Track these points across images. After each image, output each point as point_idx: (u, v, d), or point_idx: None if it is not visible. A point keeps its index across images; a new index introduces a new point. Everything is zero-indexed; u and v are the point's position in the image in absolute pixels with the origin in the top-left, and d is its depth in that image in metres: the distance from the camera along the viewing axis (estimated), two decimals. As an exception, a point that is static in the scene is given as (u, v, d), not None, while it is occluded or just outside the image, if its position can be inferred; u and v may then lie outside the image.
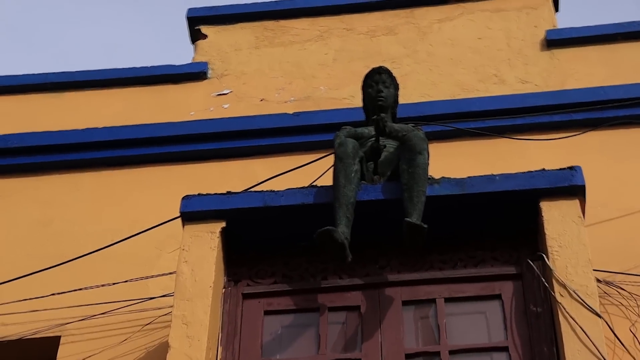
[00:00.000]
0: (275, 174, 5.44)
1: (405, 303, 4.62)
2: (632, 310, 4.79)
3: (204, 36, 7.08)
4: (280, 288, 4.76)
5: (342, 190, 4.64)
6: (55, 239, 5.72)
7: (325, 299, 4.69)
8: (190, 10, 7.18)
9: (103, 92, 6.77)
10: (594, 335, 4.17)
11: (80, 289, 5.27)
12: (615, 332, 4.59)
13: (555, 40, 6.56)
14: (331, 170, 4.82)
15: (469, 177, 4.73)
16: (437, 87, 6.44)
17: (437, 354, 4.43)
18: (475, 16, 6.89)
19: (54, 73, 6.91)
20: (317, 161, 5.54)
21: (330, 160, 5.01)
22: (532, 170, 4.76)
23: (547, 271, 4.46)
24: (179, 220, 4.87)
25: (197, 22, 7.13)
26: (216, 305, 4.59)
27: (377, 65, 5.43)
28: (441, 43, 6.76)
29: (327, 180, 4.91)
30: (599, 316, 4.24)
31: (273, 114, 6.33)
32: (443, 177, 4.76)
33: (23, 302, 5.24)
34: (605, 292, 4.82)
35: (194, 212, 4.82)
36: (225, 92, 6.67)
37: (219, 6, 7.23)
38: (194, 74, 6.78)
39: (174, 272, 4.71)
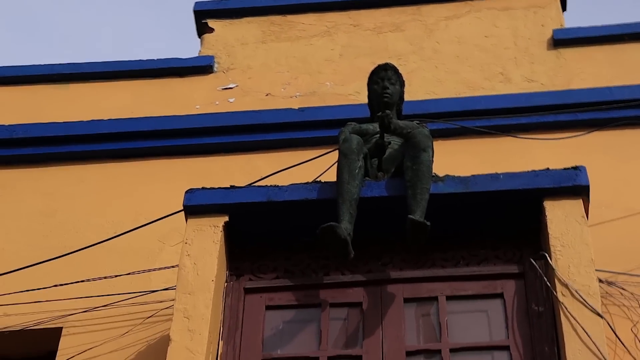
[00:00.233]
0: (279, 169, 5.44)
1: (407, 300, 4.62)
2: (634, 311, 4.78)
3: (211, 30, 7.08)
4: (282, 283, 4.76)
5: (345, 186, 4.64)
6: (58, 230, 5.73)
7: (327, 294, 4.69)
8: (197, 3, 7.18)
9: (109, 84, 6.77)
10: (595, 335, 4.17)
11: (83, 281, 5.28)
12: (617, 333, 4.58)
13: (562, 40, 6.55)
14: (335, 166, 4.82)
15: (472, 175, 4.72)
16: (443, 84, 6.43)
17: (438, 352, 4.43)
18: (482, 14, 6.88)
19: (60, 64, 6.91)
20: (322, 157, 5.54)
21: (334, 156, 5.01)
22: (536, 169, 4.75)
23: (549, 270, 4.46)
24: (183, 213, 4.87)
25: (204, 15, 7.13)
26: (218, 299, 4.60)
27: (383, 62, 5.43)
28: (448, 40, 6.75)
29: (331, 176, 4.90)
30: (601, 316, 4.24)
31: (278, 108, 6.33)
32: (447, 175, 4.76)
33: (25, 293, 5.25)
34: (607, 293, 4.81)
35: (197, 205, 4.82)
36: (231, 86, 6.67)
37: (226, 0, 7.23)
38: (200, 67, 6.78)
39: (177, 265, 4.71)
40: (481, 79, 6.43)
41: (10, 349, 5.31)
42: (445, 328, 4.49)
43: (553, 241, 4.49)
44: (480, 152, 5.80)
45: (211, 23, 7.10)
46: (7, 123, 6.37)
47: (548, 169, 4.72)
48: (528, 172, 4.72)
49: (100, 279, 5.30)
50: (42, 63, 6.94)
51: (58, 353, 5.09)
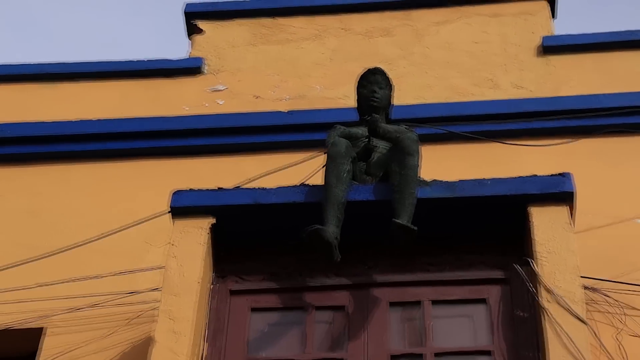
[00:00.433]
0: (267, 172, 5.44)
1: (392, 304, 4.63)
2: (618, 318, 4.79)
3: (201, 31, 7.08)
4: (268, 286, 4.76)
5: (332, 189, 4.64)
6: (43, 229, 5.71)
7: (312, 298, 4.69)
8: (187, 5, 7.17)
9: (97, 84, 6.76)
10: (578, 341, 4.18)
11: (67, 281, 5.26)
12: (600, 340, 4.60)
13: (551, 47, 6.57)
14: (323, 169, 4.82)
15: (459, 180, 4.73)
16: (432, 89, 6.44)
17: (422, 356, 4.43)
18: (472, 20, 6.89)
19: (49, 63, 6.90)
20: (309, 160, 5.54)
21: (322, 159, 5.01)
22: (523, 175, 4.76)
23: (534, 277, 4.47)
24: (169, 214, 4.86)
25: (194, 17, 7.12)
26: (203, 301, 4.59)
27: (373, 66, 5.43)
28: (437, 46, 6.76)
29: (319, 179, 4.90)
30: (585, 323, 4.25)
31: (267, 111, 6.33)
32: (434, 180, 4.77)
33: (8, 292, 5.23)
34: (592, 299, 4.82)
35: (183, 207, 4.82)
36: (220, 88, 6.66)
37: (216, 2, 7.23)
38: (190, 69, 6.78)
39: (162, 266, 4.70)
40: (470, 84, 6.44)
41: (-8, 348, 5.30)
42: (429, 332, 4.50)
43: (538, 247, 4.50)
44: (467, 158, 5.81)
45: (201, 24, 7.10)
46: (-5, 121, 6.36)
47: (534, 175, 4.74)
48: (514, 178, 4.73)
49: (85, 279, 5.28)
50: (31, 62, 6.93)
51: (41, 353, 5.07)
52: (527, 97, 6.24)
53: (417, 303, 4.62)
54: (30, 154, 6.19)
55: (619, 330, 4.75)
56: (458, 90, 6.41)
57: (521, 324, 4.45)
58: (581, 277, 4.45)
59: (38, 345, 5.13)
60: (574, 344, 4.17)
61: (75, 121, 6.33)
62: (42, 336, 5.15)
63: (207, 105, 6.53)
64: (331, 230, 4.49)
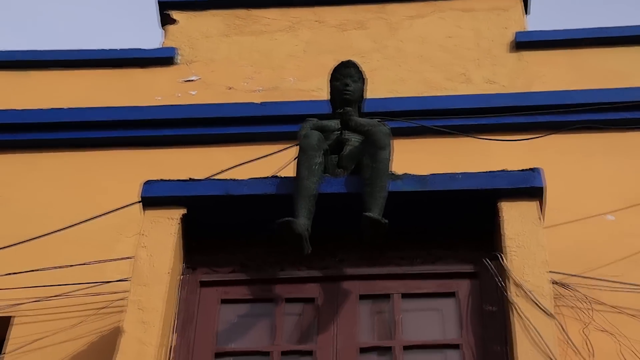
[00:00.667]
0: (239, 163, 5.43)
1: (362, 297, 4.64)
2: (586, 313, 4.83)
3: (174, 21, 7.05)
4: (238, 277, 4.75)
5: (304, 182, 4.64)
6: (12, 218, 5.67)
7: (282, 290, 4.69)
8: (161, -6, 7.14)
9: (69, 72, 6.72)
10: (546, 335, 4.20)
11: (36, 270, 5.22)
12: (568, 334, 4.63)
13: (524, 43, 6.60)
14: (295, 161, 4.82)
15: (431, 174, 4.74)
16: (405, 83, 6.45)
17: (391, 349, 4.45)
18: (446, 15, 6.91)
19: (20, 51, 6.85)
20: (282, 152, 5.54)
21: (294, 151, 5.00)
22: (494, 170, 4.78)
23: (503, 271, 4.49)
24: (140, 205, 4.84)
25: (168, 6, 7.09)
26: (173, 291, 4.58)
27: (346, 59, 5.44)
28: (411, 40, 6.77)
29: (291, 171, 4.90)
30: (553, 317, 4.28)
31: (240, 102, 6.32)
32: (405, 173, 4.77)
33: (-23, 280, 5.20)
34: (560, 294, 4.86)
35: (154, 197, 4.80)
36: (193, 78, 6.64)
37: (190, -8, 7.20)
38: (162, 58, 6.75)
39: (132, 256, 4.68)
40: (443, 79, 6.46)
41: (-41, 337, 5.26)
42: (399, 325, 4.52)
43: (508, 242, 4.53)
44: (439, 152, 5.83)
45: (175, 14, 7.06)
46: (-36, 109, 6.30)
47: (505, 170, 4.76)
48: (485, 172, 4.75)
49: (54, 268, 5.25)
50: (2, 49, 6.88)
51: (8, 342, 5.03)
52: (499, 92, 6.27)
53: (387, 296, 4.63)
54: (-1, 141, 6.15)
55: (587, 324, 4.79)
56: (431, 84, 6.42)
57: (490, 318, 4.47)
58: (550, 272, 4.48)
59: (5, 335, 5.10)
60: (541, 338, 4.20)
61: (46, 109, 6.29)
62: (9, 325, 5.12)
63: (179, 95, 6.50)
64: (302, 222, 4.49)
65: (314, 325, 4.56)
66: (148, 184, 4.86)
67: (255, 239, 4.83)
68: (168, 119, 6.20)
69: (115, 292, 5.07)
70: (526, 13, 6.94)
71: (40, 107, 6.31)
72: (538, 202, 4.65)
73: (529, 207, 4.62)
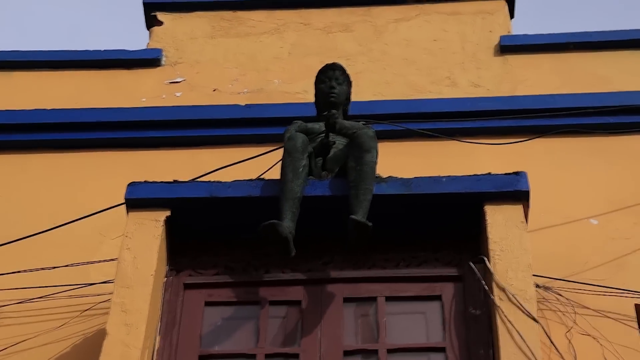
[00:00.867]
0: (223, 165, 5.42)
1: (347, 300, 4.64)
2: (569, 317, 4.85)
3: (160, 23, 7.03)
4: (222, 280, 4.74)
5: (289, 184, 4.64)
6: (-4, 219, 5.66)
7: (266, 292, 4.68)
8: (147, -5, 7.12)
9: (54, 73, 6.69)
10: (530, 339, 4.21)
11: (19, 272, 5.20)
12: (551, 338, 4.65)
13: (509, 46, 6.61)
14: (280, 164, 4.82)
15: (415, 177, 4.75)
16: (390, 86, 6.46)
17: (375, 352, 4.45)
18: (432, 18, 6.92)
19: (5, 51, 6.82)
20: (266, 154, 5.54)
21: (279, 153, 5.00)
22: (478, 173, 4.79)
23: (487, 274, 4.50)
24: (124, 206, 4.83)
25: (153, 8, 7.07)
26: (157, 294, 4.57)
27: (332, 62, 5.44)
28: (396, 43, 6.78)
29: (276, 173, 4.90)
30: (536, 321, 4.29)
31: (225, 104, 6.31)
32: (390, 177, 4.78)
33: (-41, 282, 5.18)
34: (544, 298, 4.88)
35: (139, 199, 4.78)
36: (178, 80, 6.63)
37: (176, -7, 7.19)
38: (148, 60, 6.73)
39: (116, 258, 4.67)
40: (428, 82, 6.47)
41: (-58, 338, 5.23)
42: (383, 329, 4.52)
43: (492, 245, 4.54)
44: (424, 155, 5.84)
45: (160, 16, 7.05)
46: (-53, 109, 6.27)
47: (490, 173, 4.77)
48: (470, 176, 4.76)
49: (37, 270, 5.23)
50: (-14, 50, 6.85)
51: (-9, 344, 5.02)
52: (484, 95, 6.28)
53: (372, 299, 4.63)
54: (-17, 143, 6.12)
55: (570, 328, 4.81)
56: (416, 88, 6.43)
57: (474, 321, 4.48)
58: (534, 275, 4.49)
59: (-12, 337, 5.08)
60: (525, 341, 4.21)
61: (31, 110, 6.26)
62: (-7, 327, 5.11)
63: (164, 97, 6.49)
64: (287, 224, 4.49)
65: (299, 328, 4.56)
66: (132, 185, 4.84)
67: (240, 241, 4.82)
68: (153, 121, 6.19)
69: (99, 294, 5.05)
70: (511, 17, 6.96)
71: (25, 108, 6.28)
72: (522, 205, 4.66)
73: (513, 210, 4.64)
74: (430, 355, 4.45)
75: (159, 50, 6.78)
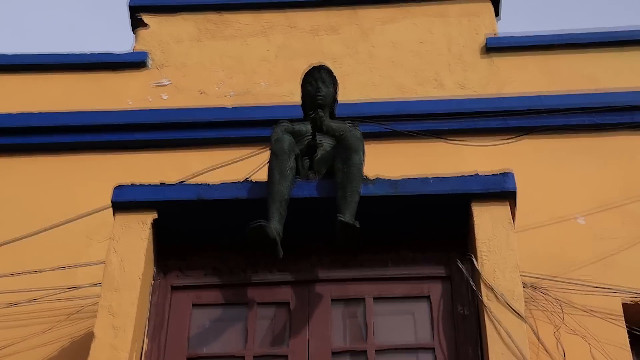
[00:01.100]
0: (210, 167, 5.41)
1: (335, 301, 4.64)
2: (557, 316, 4.86)
3: (146, 25, 7.02)
4: (210, 281, 4.74)
5: (276, 186, 4.64)
6: (-18, 223, 5.64)
7: (254, 293, 4.68)
8: (132, -2, 7.11)
9: (40, 76, 6.68)
10: (518, 338, 4.22)
11: (6, 275, 5.19)
12: (539, 336, 4.66)
13: (495, 47, 6.63)
14: (267, 165, 4.81)
15: (402, 178, 4.75)
16: (377, 87, 6.47)
17: (364, 352, 4.45)
18: (418, 20, 6.93)
19: (-10, 55, 6.81)
20: (253, 156, 5.53)
21: (266, 155, 5.00)
22: (465, 173, 4.80)
23: (475, 274, 4.51)
24: (111, 209, 4.81)
25: (139, 10, 7.06)
26: (144, 296, 4.56)
27: (318, 63, 5.44)
28: (383, 44, 6.79)
29: (263, 175, 4.89)
30: (524, 320, 4.29)
31: (212, 106, 6.31)
32: (377, 177, 4.78)
33: (-54, 286, 5.16)
34: (531, 297, 4.89)
35: (125, 202, 4.77)
36: (164, 82, 6.62)
37: (162, -4, 7.18)
38: (134, 62, 6.72)
39: (104, 261, 4.65)
40: (415, 83, 6.48)
41: None
42: (371, 329, 4.52)
43: (480, 245, 4.54)
44: (411, 156, 5.85)
45: (146, 18, 7.04)
46: None
47: (477, 173, 4.77)
48: (457, 176, 4.77)
49: (24, 273, 5.22)
50: (-29, 53, 6.83)
51: (-22, 348, 5.01)
52: (470, 96, 6.30)
53: (360, 300, 4.64)
54: (-31, 146, 6.10)
55: (558, 327, 4.82)
56: (403, 89, 6.44)
57: (462, 321, 4.49)
58: (521, 274, 4.50)
59: (-25, 341, 5.07)
60: (513, 340, 4.22)
61: (17, 114, 6.25)
62: (-20, 332, 5.09)
63: (151, 99, 6.48)
64: (274, 226, 4.49)
65: (287, 329, 4.55)
66: (119, 188, 4.83)
67: (227, 243, 4.81)
68: (139, 123, 6.18)
69: (86, 297, 5.04)
70: (497, 18, 6.97)
71: (11, 112, 6.26)
72: (510, 205, 4.67)
73: (500, 210, 4.64)
74: (418, 354, 4.45)
75: (145, 53, 6.77)
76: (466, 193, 4.69)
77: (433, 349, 4.44)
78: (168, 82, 6.61)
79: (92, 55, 6.78)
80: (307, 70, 5.36)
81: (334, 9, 7.06)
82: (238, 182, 4.86)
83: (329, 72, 5.33)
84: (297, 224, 4.67)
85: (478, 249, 4.54)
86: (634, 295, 4.97)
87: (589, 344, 4.78)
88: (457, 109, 6.09)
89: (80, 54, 6.79)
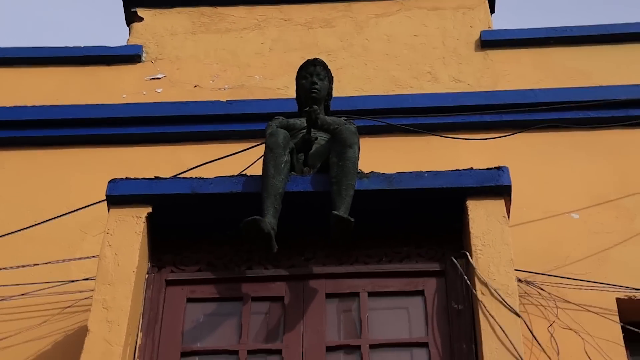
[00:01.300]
0: (205, 161, 5.40)
1: (329, 296, 4.63)
2: (551, 311, 4.87)
3: (140, 19, 7.00)
4: (204, 276, 4.73)
5: (271, 180, 4.63)
6: (-24, 217, 5.62)
7: (249, 288, 4.68)
8: (127, -9, 7.09)
9: (34, 70, 6.66)
10: (512, 334, 4.22)
11: (0, 269, 5.18)
12: (533, 332, 4.66)
13: (490, 41, 6.63)
14: (261, 160, 4.81)
15: (397, 172, 4.75)
16: (372, 81, 6.46)
17: (358, 347, 4.45)
18: (412, 13, 6.93)
19: (-16, 48, 6.79)
20: (248, 150, 5.53)
21: (261, 149, 4.99)
22: (460, 168, 4.80)
23: (470, 269, 4.51)
24: (105, 203, 4.81)
25: (133, 3, 7.04)
26: (138, 290, 4.55)
27: (313, 57, 5.43)
28: (377, 38, 6.78)
29: (257, 169, 4.89)
30: (518, 315, 4.30)
31: (206, 100, 6.30)
32: (372, 172, 4.78)
33: (-60, 280, 5.14)
34: (526, 292, 4.90)
35: (120, 195, 4.77)
36: (158, 76, 6.61)
37: (156, -11, 7.16)
38: (128, 56, 6.70)
39: (98, 255, 4.65)
40: (409, 77, 6.48)
41: None
42: (365, 324, 4.52)
43: (474, 240, 4.54)
44: (406, 150, 5.84)
45: (140, 12, 7.02)
46: None
47: (471, 168, 4.77)
48: (452, 171, 4.76)
49: (18, 267, 5.20)
50: (-35, 46, 6.80)
51: (-29, 342, 4.99)
52: (465, 90, 6.30)
53: (354, 295, 4.63)
54: (-37, 140, 6.08)
55: (552, 322, 4.82)
56: (397, 83, 6.44)
57: (456, 316, 4.49)
58: (516, 270, 4.51)
59: (-31, 335, 5.05)
60: (507, 336, 4.22)
61: (11, 107, 6.23)
62: (-27, 326, 5.08)
63: (145, 93, 6.47)
64: (269, 220, 4.48)
65: (281, 324, 4.55)
66: (113, 182, 4.82)
67: (222, 237, 4.81)
68: (134, 117, 6.17)
69: (80, 291, 5.04)
70: (492, 12, 6.98)
71: (5, 105, 6.25)
72: (504, 200, 4.68)
73: (495, 205, 4.64)
74: (413, 350, 4.45)
75: (139, 47, 6.75)
76: (461, 188, 4.69)
77: (427, 344, 4.44)
78: (162, 76, 6.60)
79: (86, 48, 6.75)
80: (302, 65, 5.35)
81: (328, 3, 7.06)
82: (233, 176, 4.85)
83: (324, 66, 5.32)
84: (292, 219, 4.67)
85: (472, 243, 4.54)
86: (628, 290, 4.97)
87: (583, 339, 4.79)
88: (451, 103, 6.09)
89: (74, 48, 6.76)
